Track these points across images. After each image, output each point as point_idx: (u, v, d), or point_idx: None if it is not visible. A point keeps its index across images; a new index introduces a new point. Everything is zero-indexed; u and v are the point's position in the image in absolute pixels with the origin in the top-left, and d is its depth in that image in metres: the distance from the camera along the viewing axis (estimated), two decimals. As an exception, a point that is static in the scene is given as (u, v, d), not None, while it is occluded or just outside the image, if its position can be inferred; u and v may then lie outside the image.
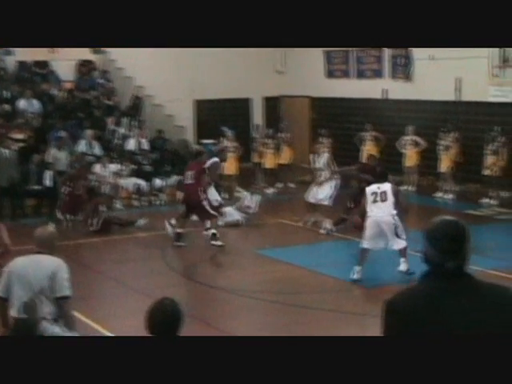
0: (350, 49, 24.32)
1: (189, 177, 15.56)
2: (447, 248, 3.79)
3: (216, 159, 16.64)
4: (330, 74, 25.46)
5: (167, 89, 24.06)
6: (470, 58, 19.87)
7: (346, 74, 24.89)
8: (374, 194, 12.99)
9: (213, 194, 16.08)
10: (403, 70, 22.82)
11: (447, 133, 20.50)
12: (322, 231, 16.47)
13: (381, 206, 12.84)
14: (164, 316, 4.74)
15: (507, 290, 3.83)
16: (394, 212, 12.83)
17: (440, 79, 21.29)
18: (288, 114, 26.97)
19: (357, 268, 12.78)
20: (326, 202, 16.79)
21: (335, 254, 15.04)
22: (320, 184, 16.91)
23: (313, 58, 25.62)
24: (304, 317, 11.30)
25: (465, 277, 3.83)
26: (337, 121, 24.83)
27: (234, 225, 17.31)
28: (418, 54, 22.10)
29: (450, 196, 20.18)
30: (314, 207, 17.13)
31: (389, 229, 12.80)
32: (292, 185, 22.56)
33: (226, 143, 21.75)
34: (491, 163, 19.32)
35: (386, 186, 13.06)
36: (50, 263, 7.17)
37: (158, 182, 20.81)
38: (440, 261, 3.80)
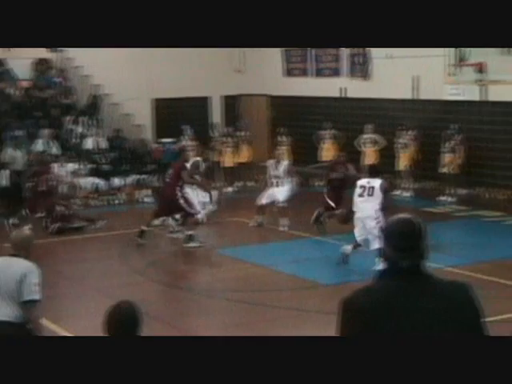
0: (309, 48, 24.39)
1: (169, 176, 15.71)
2: (402, 246, 3.79)
3: (198, 158, 16.60)
4: (289, 72, 25.50)
5: (125, 87, 23.89)
6: (426, 56, 20.00)
7: (304, 73, 24.93)
8: (363, 187, 13.14)
9: (200, 196, 16.14)
10: (361, 68, 22.93)
11: (405, 131, 20.65)
12: (281, 228, 16.50)
13: (366, 201, 13.00)
14: (122, 320, 4.68)
15: (464, 289, 3.84)
16: (378, 207, 12.90)
17: (398, 78, 21.43)
18: (247, 112, 26.96)
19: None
20: (283, 204, 16.78)
21: (295, 251, 15.05)
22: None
23: (271, 57, 25.62)
24: (267, 315, 11.28)
25: (421, 275, 3.82)
26: (296, 119, 24.87)
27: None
28: (376, 52, 22.20)
29: (409, 194, 20.35)
30: (264, 208, 17.05)
31: (370, 227, 12.88)
32: (251, 183, 22.56)
33: (185, 142, 21.68)
34: (448, 161, 19.51)
35: (376, 182, 13.17)
36: (20, 267, 7.09)
37: (116, 181, 20.68)
38: (396, 259, 3.80)
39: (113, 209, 19.62)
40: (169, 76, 25.12)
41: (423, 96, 21.16)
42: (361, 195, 13.06)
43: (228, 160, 22.25)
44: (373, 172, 13.64)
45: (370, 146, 21.43)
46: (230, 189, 21.97)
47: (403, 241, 3.80)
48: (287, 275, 13.42)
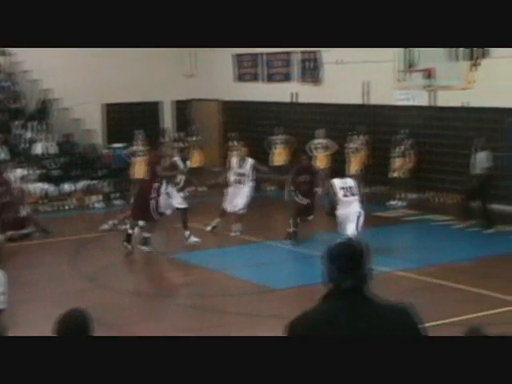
0: (259, 52, 24.43)
1: (147, 173, 15.64)
2: (345, 267, 3.85)
3: (175, 158, 16.44)
4: (240, 77, 25.50)
5: (75, 92, 23.66)
6: (376, 62, 20.17)
7: (255, 78, 24.96)
8: (343, 189, 13.87)
9: (174, 197, 15.89)
10: (312, 73, 23.02)
11: (356, 136, 20.78)
12: (233, 234, 16.47)
13: (350, 201, 13.86)
14: (72, 328, 4.60)
15: (405, 313, 3.87)
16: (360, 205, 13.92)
17: (348, 83, 21.55)
18: (198, 117, 26.88)
19: None
20: (243, 211, 16.71)
21: (247, 256, 15.04)
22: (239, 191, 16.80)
23: (222, 62, 25.61)
24: (220, 321, 11.23)
25: (363, 297, 3.85)
26: (247, 124, 24.88)
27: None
28: (327, 57, 22.31)
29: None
30: (225, 213, 17.01)
31: (352, 218, 13.75)
32: (203, 188, 22.47)
33: (136, 147, 21.53)
34: (399, 165, 19.68)
35: (350, 181, 14.07)
36: None
37: (66, 186, 20.45)
38: (339, 280, 3.85)
39: (63, 214, 19.39)
40: (119, 81, 24.93)
41: (373, 101, 21.31)
42: (345, 195, 13.85)
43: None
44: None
45: (321, 150, 21.51)
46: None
47: (345, 262, 3.86)
48: (241, 280, 13.37)
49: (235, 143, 22.32)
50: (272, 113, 24.22)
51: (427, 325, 4.02)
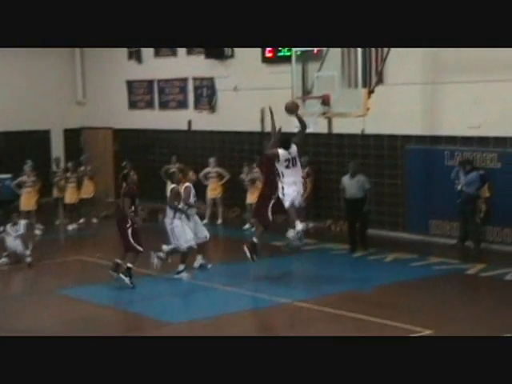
0: (154, 79, 23.90)
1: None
2: None
3: (188, 184, 15.19)
4: (133, 104, 24.88)
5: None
6: (273, 88, 19.93)
7: (149, 105, 24.38)
8: (287, 160, 13.87)
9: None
10: (207, 100, 22.61)
11: (252, 164, 20.39)
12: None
13: (293, 172, 13.94)
14: None
15: None
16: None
17: (245, 110, 21.24)
18: (90, 146, 26.12)
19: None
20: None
21: (142, 290, 14.43)
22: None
23: (115, 89, 25.00)
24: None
25: None
26: (141, 153, 24.27)
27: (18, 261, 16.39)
28: (222, 84, 21.98)
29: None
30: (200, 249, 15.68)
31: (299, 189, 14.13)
32: (95, 220, 21.68)
33: (23, 177, 20.57)
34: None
35: (294, 151, 14.04)
36: None
37: None
38: None
39: None
40: (7, 108, 24.12)
41: (270, 129, 20.94)
42: (287, 167, 13.89)
43: (70, 196, 21.25)
44: (286, 143, 14.09)
45: (213, 180, 21.04)
46: (72, 226, 20.96)
47: None
48: (133, 314, 12.78)
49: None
50: (167, 141, 23.69)
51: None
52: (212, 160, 21.20)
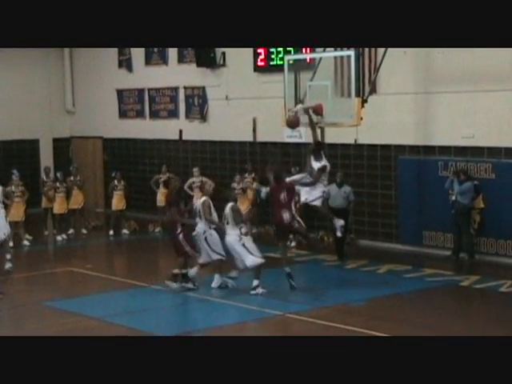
0: (144, 88, 23.71)
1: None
2: None
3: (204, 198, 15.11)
4: (123, 114, 24.66)
5: None
6: (265, 98, 19.79)
7: (140, 114, 24.17)
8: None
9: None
10: (198, 110, 22.41)
11: (243, 174, 20.19)
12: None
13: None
14: None
15: None
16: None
17: (236, 120, 21.08)
18: (80, 155, 25.89)
19: None
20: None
21: (128, 302, 14.24)
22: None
23: (105, 98, 24.80)
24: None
25: None
26: (131, 162, 24.06)
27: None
28: (213, 93, 21.79)
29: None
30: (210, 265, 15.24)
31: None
32: (84, 230, 21.43)
33: (11, 187, 20.28)
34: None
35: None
36: None
37: None
38: None
39: None
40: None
41: (262, 138, 20.83)
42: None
43: (59, 206, 20.97)
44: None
45: (197, 190, 20.57)
46: (62, 237, 20.70)
47: None
48: (121, 327, 12.53)
49: (116, 183, 21.41)
50: (157, 151, 23.48)
51: None
52: (195, 170, 20.97)
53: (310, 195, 14.83)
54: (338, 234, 15.19)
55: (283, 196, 14.29)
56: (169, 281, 14.64)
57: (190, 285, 14.53)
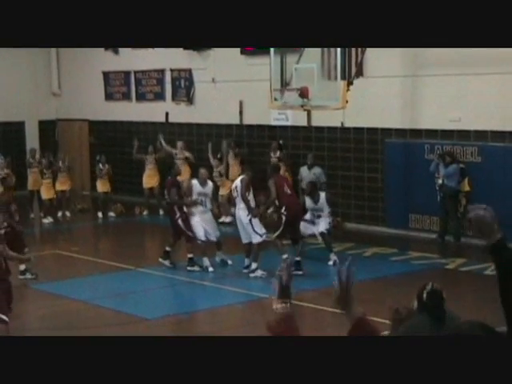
0: (130, 71, 23.60)
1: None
2: None
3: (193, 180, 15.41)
4: (110, 96, 24.53)
5: None
6: (251, 81, 19.72)
7: (126, 97, 24.05)
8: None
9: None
10: (185, 92, 22.33)
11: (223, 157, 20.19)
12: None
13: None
14: None
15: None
16: None
17: (223, 102, 21.00)
18: (66, 138, 25.76)
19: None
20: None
21: (114, 285, 14.25)
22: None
23: (91, 80, 24.64)
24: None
25: None
26: (117, 145, 23.95)
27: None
28: (200, 76, 21.71)
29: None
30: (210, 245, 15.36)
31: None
32: (68, 214, 21.33)
33: (-1, 171, 20.21)
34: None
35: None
36: None
37: None
38: None
39: None
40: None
41: (249, 121, 20.80)
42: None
43: (47, 192, 20.85)
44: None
45: (180, 161, 20.44)
46: (48, 220, 20.63)
47: None
48: (107, 310, 12.51)
49: (101, 166, 21.33)
50: (144, 133, 23.36)
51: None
52: (180, 143, 20.96)
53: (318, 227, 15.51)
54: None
55: (286, 187, 14.85)
56: (161, 258, 14.95)
57: (196, 268, 14.68)
